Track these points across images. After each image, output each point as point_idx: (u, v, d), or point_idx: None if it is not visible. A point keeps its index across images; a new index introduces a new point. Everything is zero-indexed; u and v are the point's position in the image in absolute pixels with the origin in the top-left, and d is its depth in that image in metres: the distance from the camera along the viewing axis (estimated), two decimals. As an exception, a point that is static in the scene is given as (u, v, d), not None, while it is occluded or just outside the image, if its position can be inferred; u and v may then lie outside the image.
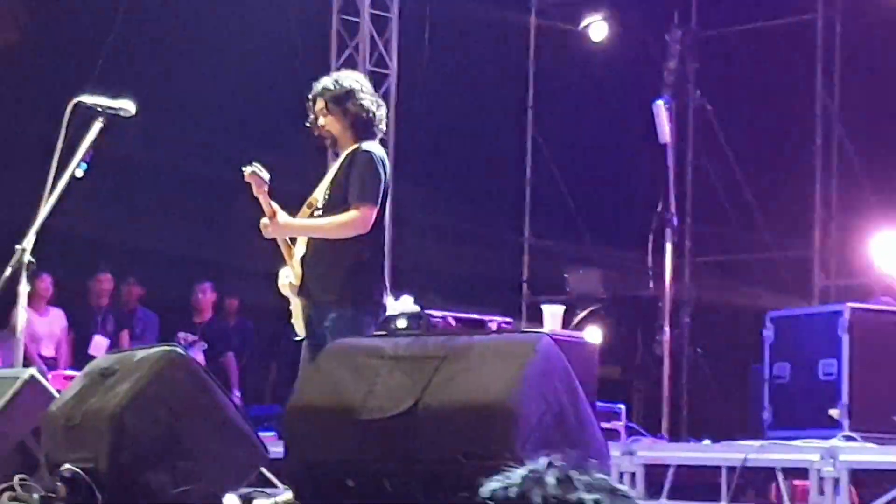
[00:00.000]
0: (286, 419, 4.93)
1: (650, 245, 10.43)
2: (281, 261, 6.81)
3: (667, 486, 7.68)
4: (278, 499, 5.53)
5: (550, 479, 2.20)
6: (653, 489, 7.63)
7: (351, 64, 13.15)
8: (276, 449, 5.55)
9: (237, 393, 12.16)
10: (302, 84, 7.11)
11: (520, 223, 14.98)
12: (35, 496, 5.30)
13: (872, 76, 13.08)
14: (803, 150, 13.37)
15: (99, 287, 12.43)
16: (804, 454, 7.23)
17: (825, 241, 13.26)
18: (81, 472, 5.07)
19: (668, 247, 10.05)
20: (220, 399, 5.32)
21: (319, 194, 6.76)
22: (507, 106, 14.94)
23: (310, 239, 6.70)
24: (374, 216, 6.58)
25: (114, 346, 11.76)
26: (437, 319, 9.69)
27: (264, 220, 6.60)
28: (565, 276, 13.45)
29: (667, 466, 7.79)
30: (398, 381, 4.67)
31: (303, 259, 6.69)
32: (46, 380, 6.51)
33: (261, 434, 5.98)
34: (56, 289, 11.76)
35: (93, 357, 10.48)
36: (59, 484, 5.15)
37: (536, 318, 10.66)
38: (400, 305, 10.57)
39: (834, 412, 8.25)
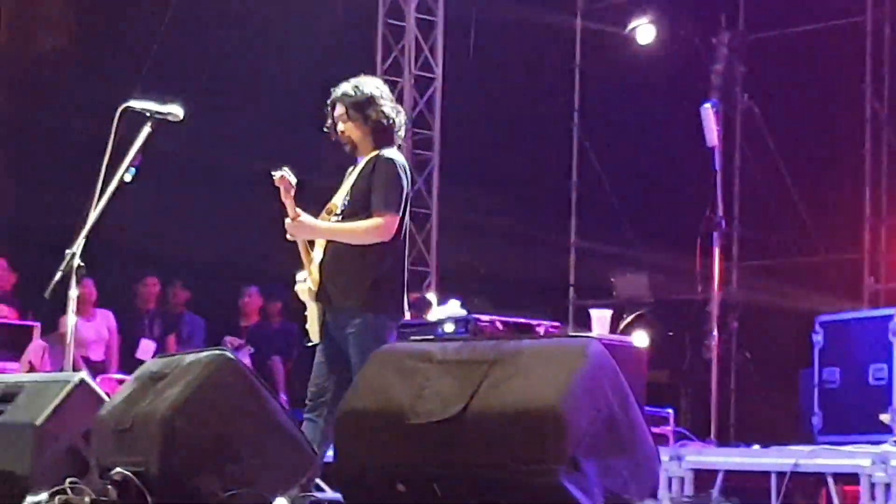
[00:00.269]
0: (336, 423, 4.92)
1: (698, 249, 10.38)
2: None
3: (715, 492, 7.64)
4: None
5: None
6: (702, 495, 7.60)
7: (396, 68, 13.20)
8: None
9: (283, 397, 12.18)
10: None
11: (566, 227, 14.95)
12: (86, 499, 5.32)
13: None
14: (852, 154, 13.27)
15: (146, 291, 12.49)
16: (855, 459, 7.17)
17: (875, 244, 13.16)
18: (132, 476, 5.09)
19: (716, 251, 10.00)
20: (270, 403, 5.32)
21: (339, 201, 6.74)
22: (553, 109, 14.91)
23: (328, 244, 6.67)
24: (396, 224, 6.57)
25: (160, 350, 11.82)
26: (485, 323, 9.67)
27: (288, 221, 6.60)
28: (612, 279, 13.42)
29: (715, 471, 7.76)
30: (447, 386, 4.65)
31: (320, 264, 6.66)
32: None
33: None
34: (103, 293, 11.81)
35: (139, 360, 10.56)
36: (109, 487, 5.17)
37: (583, 322, 10.64)
38: (447, 310, 10.56)
39: (885, 417, 8.20)
